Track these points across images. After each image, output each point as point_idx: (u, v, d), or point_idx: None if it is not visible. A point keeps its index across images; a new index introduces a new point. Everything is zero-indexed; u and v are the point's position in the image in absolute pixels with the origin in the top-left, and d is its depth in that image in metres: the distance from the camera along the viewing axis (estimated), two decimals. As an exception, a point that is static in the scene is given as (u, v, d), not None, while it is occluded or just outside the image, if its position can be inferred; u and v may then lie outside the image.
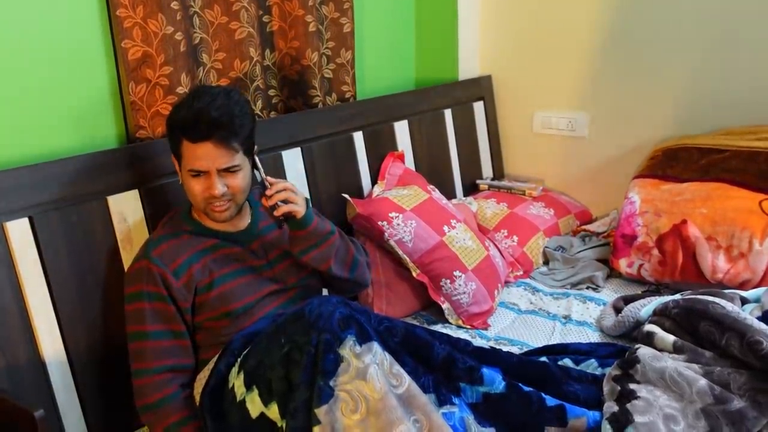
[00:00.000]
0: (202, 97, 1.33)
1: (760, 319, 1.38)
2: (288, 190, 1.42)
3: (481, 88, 2.56)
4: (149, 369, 1.33)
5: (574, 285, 2.01)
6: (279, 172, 1.82)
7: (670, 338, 1.44)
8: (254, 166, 1.45)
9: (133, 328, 1.36)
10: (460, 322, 1.83)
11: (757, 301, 1.56)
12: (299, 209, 1.42)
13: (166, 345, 1.35)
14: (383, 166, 2.11)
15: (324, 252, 1.49)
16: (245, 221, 1.51)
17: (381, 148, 2.15)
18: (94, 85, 1.56)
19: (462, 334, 1.74)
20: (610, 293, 1.95)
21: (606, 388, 1.32)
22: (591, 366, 1.44)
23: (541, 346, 1.62)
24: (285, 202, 1.41)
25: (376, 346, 1.19)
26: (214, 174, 1.34)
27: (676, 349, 1.42)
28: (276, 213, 1.40)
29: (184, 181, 1.38)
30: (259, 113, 1.88)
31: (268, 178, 1.44)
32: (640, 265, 1.94)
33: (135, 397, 1.35)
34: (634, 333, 1.61)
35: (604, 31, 2.27)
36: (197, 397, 1.34)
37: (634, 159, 2.25)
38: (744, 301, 1.58)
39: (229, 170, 1.35)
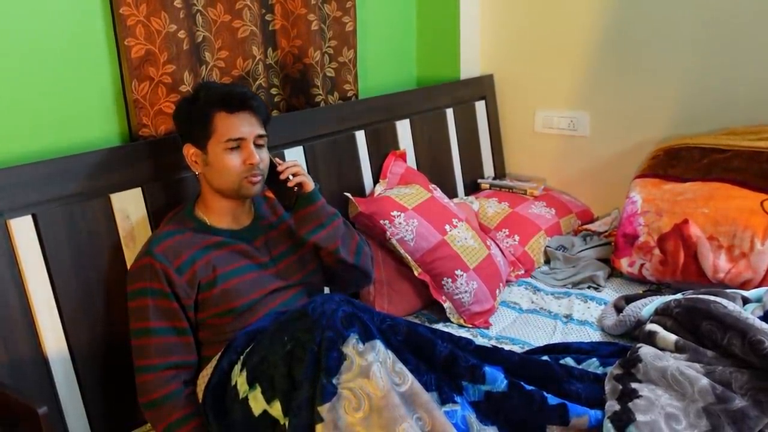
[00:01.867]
0: (216, 83, 1.41)
1: (761, 318, 1.39)
2: (296, 166, 1.51)
3: (483, 87, 2.56)
4: (152, 366, 1.33)
5: (575, 284, 2.01)
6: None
7: (672, 337, 1.45)
8: None
9: (136, 324, 1.36)
10: (462, 321, 1.84)
11: (758, 300, 1.56)
12: (309, 182, 1.50)
13: (169, 342, 1.35)
14: (385, 165, 2.11)
15: (331, 233, 1.52)
16: (248, 218, 1.52)
17: (383, 146, 2.15)
18: (97, 83, 1.56)
19: (463, 333, 1.74)
20: (611, 293, 1.95)
21: (608, 387, 1.32)
22: (593, 365, 1.45)
23: (542, 345, 1.62)
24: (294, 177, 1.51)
25: (379, 344, 1.19)
26: (252, 143, 1.41)
27: (678, 349, 1.42)
28: (289, 184, 1.48)
29: (218, 160, 1.40)
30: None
31: (276, 159, 1.52)
32: (642, 265, 1.94)
33: (138, 394, 1.35)
34: (636, 332, 1.61)
35: (606, 31, 2.27)
36: (200, 395, 1.34)
37: (635, 158, 2.25)
38: (746, 301, 1.58)
39: (259, 144, 1.44)
